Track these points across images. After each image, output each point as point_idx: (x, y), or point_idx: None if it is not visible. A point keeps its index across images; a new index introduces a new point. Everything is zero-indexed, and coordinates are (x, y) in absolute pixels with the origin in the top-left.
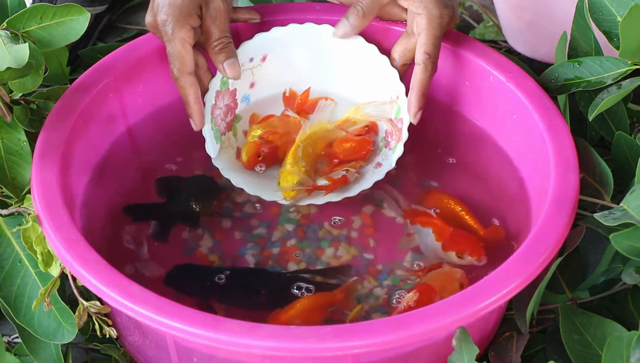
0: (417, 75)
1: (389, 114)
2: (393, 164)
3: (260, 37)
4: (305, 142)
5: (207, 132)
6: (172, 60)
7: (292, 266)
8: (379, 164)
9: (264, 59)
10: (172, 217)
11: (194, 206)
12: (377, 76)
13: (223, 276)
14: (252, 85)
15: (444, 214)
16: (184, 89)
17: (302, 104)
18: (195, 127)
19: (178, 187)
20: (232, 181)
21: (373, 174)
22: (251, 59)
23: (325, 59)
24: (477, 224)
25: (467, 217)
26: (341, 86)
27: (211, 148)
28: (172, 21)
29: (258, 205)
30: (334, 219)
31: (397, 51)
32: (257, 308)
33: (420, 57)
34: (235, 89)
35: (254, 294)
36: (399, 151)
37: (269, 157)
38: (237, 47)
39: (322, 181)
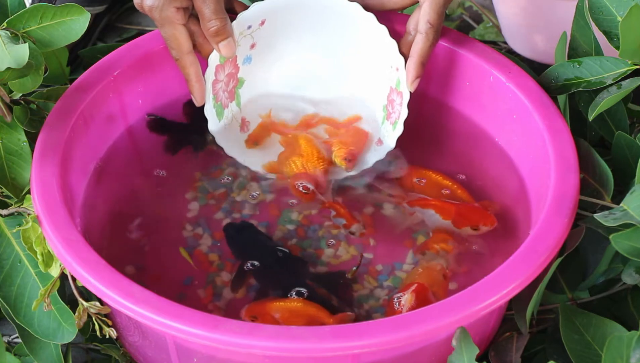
0: (418, 44)
1: (390, 81)
2: (393, 145)
3: (256, 6)
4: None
5: (209, 111)
6: (168, 43)
7: None
8: (380, 142)
9: (262, 23)
10: (185, 138)
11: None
12: (376, 44)
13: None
14: (252, 46)
15: (431, 185)
16: (184, 68)
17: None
18: (197, 103)
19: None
20: (237, 159)
21: (375, 152)
22: (249, 27)
23: (322, 26)
24: (466, 194)
25: (458, 190)
26: (338, 55)
27: (214, 126)
28: (159, 6)
29: (257, 207)
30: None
31: (412, 24)
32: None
33: (423, 27)
34: (235, 56)
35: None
36: (399, 129)
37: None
38: (233, 20)
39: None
